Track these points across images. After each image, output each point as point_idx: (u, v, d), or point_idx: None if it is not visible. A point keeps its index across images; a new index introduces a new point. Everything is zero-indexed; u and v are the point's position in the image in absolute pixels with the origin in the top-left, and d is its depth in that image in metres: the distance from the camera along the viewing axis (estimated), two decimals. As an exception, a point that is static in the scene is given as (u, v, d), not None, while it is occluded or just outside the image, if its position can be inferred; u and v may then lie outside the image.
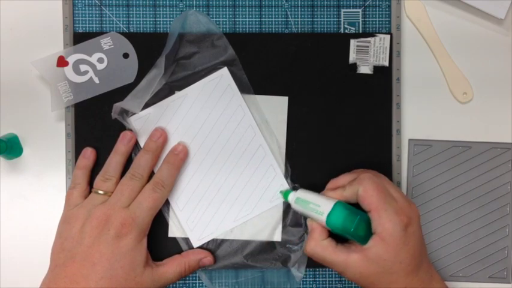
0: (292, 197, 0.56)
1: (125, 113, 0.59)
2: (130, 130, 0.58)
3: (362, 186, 0.52)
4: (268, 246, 0.59)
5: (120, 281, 0.52)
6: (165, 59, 0.58)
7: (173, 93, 0.59)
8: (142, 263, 0.54)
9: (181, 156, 0.58)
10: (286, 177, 0.59)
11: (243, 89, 0.59)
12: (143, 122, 0.59)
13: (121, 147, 0.57)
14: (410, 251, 0.51)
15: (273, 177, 0.59)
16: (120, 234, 0.52)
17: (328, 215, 0.52)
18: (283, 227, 0.59)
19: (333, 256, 0.52)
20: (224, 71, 0.59)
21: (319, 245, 0.53)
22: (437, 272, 0.55)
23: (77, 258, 0.52)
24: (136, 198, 0.55)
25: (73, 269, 0.52)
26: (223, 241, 0.59)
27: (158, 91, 0.59)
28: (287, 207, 0.59)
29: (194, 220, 0.59)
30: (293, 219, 0.59)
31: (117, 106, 0.58)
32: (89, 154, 0.58)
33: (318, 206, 0.53)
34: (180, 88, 0.59)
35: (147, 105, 0.59)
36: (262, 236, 0.59)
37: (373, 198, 0.51)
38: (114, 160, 0.57)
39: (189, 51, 0.59)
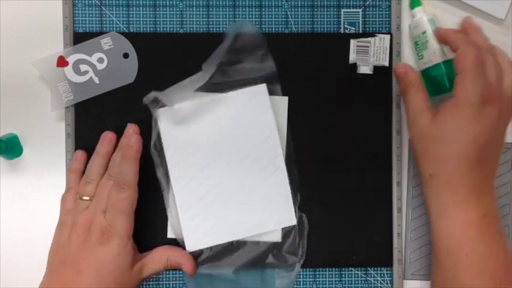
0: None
1: (156, 103, 0.58)
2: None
3: (460, 47, 0.51)
4: (257, 265, 0.59)
5: (109, 285, 0.52)
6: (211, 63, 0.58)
7: (207, 95, 0.59)
8: (129, 265, 0.53)
9: (136, 148, 0.54)
10: (294, 203, 0.59)
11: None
12: (170, 116, 0.58)
13: (101, 148, 0.57)
14: (478, 136, 0.48)
15: (282, 203, 0.59)
16: (102, 242, 0.52)
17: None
18: (278, 250, 0.59)
19: (418, 99, 0.52)
20: (262, 88, 0.59)
21: (421, 87, 0.53)
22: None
23: (66, 265, 0.52)
24: (108, 202, 0.53)
25: (64, 275, 0.52)
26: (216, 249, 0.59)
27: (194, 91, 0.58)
28: (286, 234, 0.59)
29: (195, 225, 0.58)
30: (291, 246, 0.59)
31: (153, 95, 0.57)
32: (79, 157, 0.58)
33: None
34: (215, 92, 0.59)
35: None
36: (261, 237, 0.59)
37: (464, 64, 0.50)
38: (96, 163, 0.56)
39: (234, 59, 0.59)
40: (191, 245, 0.58)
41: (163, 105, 0.58)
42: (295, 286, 0.60)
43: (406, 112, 0.54)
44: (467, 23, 0.56)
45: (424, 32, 0.58)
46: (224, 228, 0.58)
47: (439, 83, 0.58)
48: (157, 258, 0.56)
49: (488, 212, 0.50)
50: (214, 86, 0.59)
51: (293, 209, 0.59)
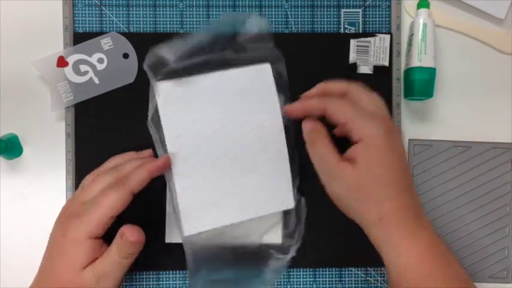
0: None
1: (155, 73, 0.55)
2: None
3: (329, 105, 0.50)
4: (253, 243, 0.59)
5: (57, 279, 0.49)
6: (215, 40, 0.56)
7: (208, 71, 0.57)
8: (83, 263, 0.49)
9: (159, 165, 0.52)
10: (294, 186, 0.58)
11: (280, 89, 0.58)
12: (168, 91, 0.56)
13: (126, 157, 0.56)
14: (400, 160, 0.48)
15: (281, 186, 0.58)
16: (64, 231, 0.50)
17: None
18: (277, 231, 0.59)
19: (329, 153, 0.50)
20: (266, 67, 0.58)
21: (327, 139, 0.51)
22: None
23: (46, 250, 0.52)
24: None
25: (43, 259, 0.52)
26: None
27: (194, 65, 0.56)
28: (284, 216, 0.59)
29: (193, 206, 0.56)
30: (289, 230, 0.59)
31: (154, 53, 0.55)
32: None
33: None
34: (218, 68, 0.57)
35: (178, 76, 0.56)
36: (260, 237, 0.59)
37: (347, 112, 0.49)
38: (113, 162, 0.55)
39: (239, 47, 0.58)
40: (190, 228, 0.56)
41: (162, 79, 0.56)
42: (295, 286, 0.60)
43: (317, 168, 0.51)
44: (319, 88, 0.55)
45: (412, 34, 0.59)
46: (222, 210, 0.56)
47: (411, 87, 0.59)
48: (108, 249, 0.50)
49: (435, 239, 0.49)
50: (218, 63, 0.57)
51: (292, 192, 0.58)
